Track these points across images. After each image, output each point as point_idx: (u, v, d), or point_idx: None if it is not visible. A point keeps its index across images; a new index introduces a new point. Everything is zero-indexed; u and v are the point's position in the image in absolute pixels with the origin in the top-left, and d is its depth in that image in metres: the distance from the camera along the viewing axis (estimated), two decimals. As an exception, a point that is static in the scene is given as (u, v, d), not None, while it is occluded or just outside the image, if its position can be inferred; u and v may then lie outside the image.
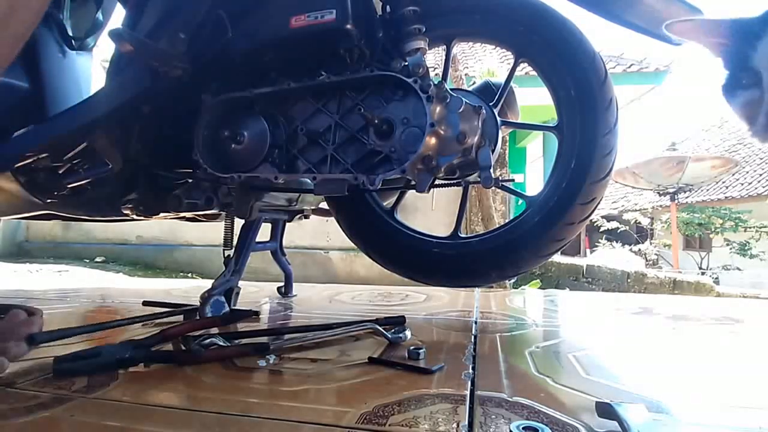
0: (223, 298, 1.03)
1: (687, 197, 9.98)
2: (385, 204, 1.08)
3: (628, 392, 0.58)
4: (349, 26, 0.78)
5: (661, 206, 11.32)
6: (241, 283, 1.11)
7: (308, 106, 0.89)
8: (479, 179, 0.82)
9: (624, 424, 0.43)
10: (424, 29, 0.82)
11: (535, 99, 3.01)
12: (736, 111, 0.57)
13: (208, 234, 4.94)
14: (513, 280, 3.19)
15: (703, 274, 7.92)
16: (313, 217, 1.40)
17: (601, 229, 11.05)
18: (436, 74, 0.86)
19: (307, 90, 0.88)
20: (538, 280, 3.95)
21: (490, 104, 0.90)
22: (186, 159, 0.92)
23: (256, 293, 1.47)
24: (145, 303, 1.15)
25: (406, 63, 0.81)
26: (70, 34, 1.17)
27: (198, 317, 0.99)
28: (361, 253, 1.11)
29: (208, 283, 1.08)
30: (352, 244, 1.11)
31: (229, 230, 1.23)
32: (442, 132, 0.79)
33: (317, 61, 0.88)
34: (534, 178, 9.52)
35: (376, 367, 0.67)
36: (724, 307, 1.29)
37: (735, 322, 1.07)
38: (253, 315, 1.05)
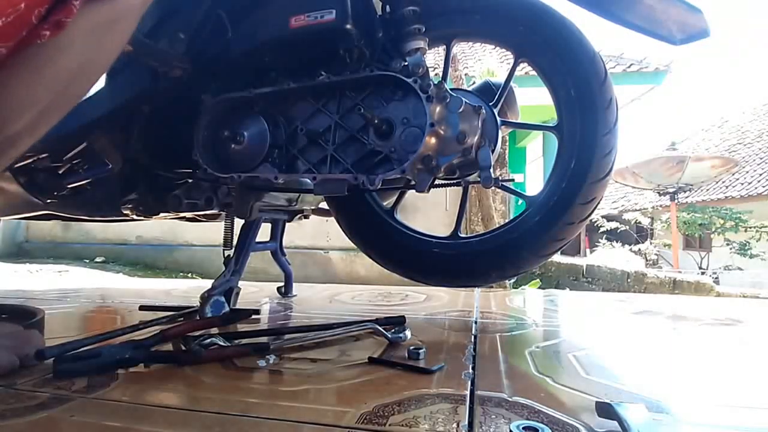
0: (222, 298, 1.03)
1: (687, 197, 9.99)
2: (385, 204, 1.08)
3: (628, 392, 0.58)
4: (348, 26, 0.78)
5: (661, 206, 11.32)
6: (241, 283, 1.11)
7: (308, 106, 0.89)
8: (479, 179, 0.82)
9: (624, 424, 0.43)
10: (424, 29, 0.82)
11: (535, 99, 3.01)
12: None
13: (208, 234, 4.95)
14: (513, 280, 3.19)
15: (703, 274, 7.92)
16: (313, 217, 1.40)
17: (601, 229, 11.06)
18: (436, 74, 0.86)
19: (307, 90, 0.88)
20: (538, 280, 3.95)
21: (490, 104, 0.90)
22: (186, 159, 0.92)
23: (256, 293, 1.47)
24: (142, 308, 1.15)
25: (406, 63, 0.81)
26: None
27: (198, 317, 0.99)
28: (361, 253, 1.11)
29: (208, 283, 1.08)
30: (352, 244, 1.11)
31: (229, 230, 1.23)
32: (442, 132, 0.79)
33: (317, 61, 0.88)
34: (534, 178, 9.52)
35: (376, 367, 0.67)
36: (724, 307, 1.29)
37: (735, 322, 1.07)
38: (253, 315, 1.05)
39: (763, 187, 10.27)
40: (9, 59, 0.49)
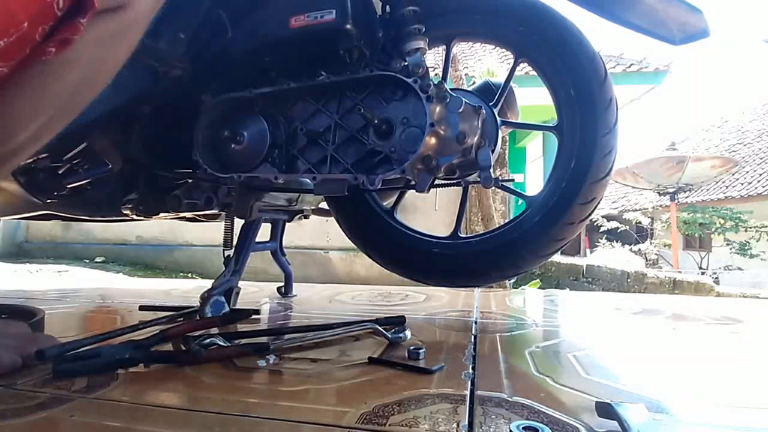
0: (222, 298, 1.03)
1: (687, 197, 9.99)
2: (385, 204, 1.08)
3: (628, 392, 0.58)
4: (348, 26, 0.78)
5: (661, 206, 11.33)
6: (241, 283, 1.11)
7: (308, 106, 0.89)
8: (479, 179, 0.82)
9: (624, 424, 0.43)
10: (424, 29, 0.82)
11: (535, 99, 3.01)
12: None
13: (208, 234, 4.94)
14: (513, 280, 3.19)
15: (703, 274, 7.92)
16: (313, 217, 1.40)
17: (601, 229, 11.06)
18: (436, 74, 0.86)
19: (306, 90, 0.88)
20: (538, 280, 3.95)
21: (490, 104, 0.90)
22: (186, 159, 0.92)
23: (256, 293, 1.47)
24: (142, 308, 1.15)
25: (406, 63, 0.81)
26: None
27: (198, 317, 0.99)
28: (361, 253, 1.11)
29: (208, 283, 1.08)
30: (352, 244, 1.11)
31: (229, 230, 1.23)
32: (441, 132, 0.79)
33: (317, 61, 0.88)
34: (534, 178, 9.52)
35: (376, 367, 0.67)
36: (724, 307, 1.29)
37: (735, 322, 1.07)
38: (253, 315, 1.05)
39: (763, 187, 10.27)
40: (12, 78, 0.49)
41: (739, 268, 8.80)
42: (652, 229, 11.63)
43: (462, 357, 0.72)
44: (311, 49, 0.86)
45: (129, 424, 0.48)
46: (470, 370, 0.65)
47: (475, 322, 1.01)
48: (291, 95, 0.89)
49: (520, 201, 0.96)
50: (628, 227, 11.15)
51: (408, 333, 0.82)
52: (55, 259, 5.17)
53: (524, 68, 1.08)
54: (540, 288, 3.41)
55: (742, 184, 10.97)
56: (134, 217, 1.10)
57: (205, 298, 1.01)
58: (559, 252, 0.94)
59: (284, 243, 1.41)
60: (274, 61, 0.89)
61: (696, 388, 0.62)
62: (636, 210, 12.30)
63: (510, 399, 0.55)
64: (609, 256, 8.08)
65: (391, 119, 0.82)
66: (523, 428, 0.46)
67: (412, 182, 0.86)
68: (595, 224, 11.07)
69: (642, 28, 0.84)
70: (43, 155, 0.96)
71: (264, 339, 0.80)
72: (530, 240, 0.90)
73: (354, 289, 1.60)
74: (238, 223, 1.17)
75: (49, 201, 1.04)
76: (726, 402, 0.56)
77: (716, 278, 7.15)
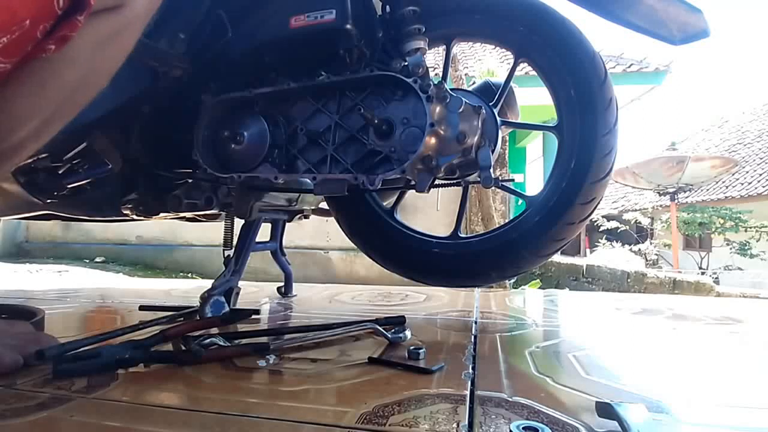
0: (222, 299, 1.03)
1: (687, 197, 10.00)
2: (385, 204, 1.08)
3: (628, 392, 0.58)
4: (348, 26, 0.78)
5: (661, 206, 11.33)
6: (241, 283, 1.11)
7: (308, 106, 0.89)
8: (479, 179, 0.82)
9: (624, 424, 0.43)
10: (423, 29, 0.82)
11: (535, 99, 3.01)
12: None
13: (208, 234, 4.95)
14: (513, 280, 3.19)
15: (703, 274, 7.92)
16: (313, 217, 1.40)
17: (601, 228, 11.07)
18: (436, 74, 0.86)
19: (307, 90, 0.88)
20: (538, 280, 3.95)
21: (490, 104, 0.90)
22: (186, 159, 0.92)
23: (256, 293, 1.47)
24: (142, 308, 1.15)
25: (406, 63, 0.81)
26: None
27: (198, 317, 0.99)
28: (361, 253, 1.11)
29: (208, 283, 1.08)
30: (352, 244, 1.11)
31: (229, 230, 1.23)
32: (441, 132, 0.79)
33: (317, 61, 0.88)
34: (534, 178, 9.53)
35: (376, 367, 0.67)
36: (724, 307, 1.29)
37: (735, 322, 1.07)
38: (253, 315, 1.05)
39: (763, 187, 10.27)
40: (13, 74, 0.49)
41: (739, 268, 8.80)
42: (652, 229, 11.63)
43: (462, 357, 0.72)
44: (311, 49, 0.86)
45: (129, 424, 0.48)
46: (470, 370, 0.65)
47: (475, 322, 1.01)
48: (291, 95, 0.89)
49: (520, 201, 0.96)
50: (628, 227, 11.15)
51: (408, 333, 0.82)
52: (55, 259, 5.17)
53: (524, 68, 1.08)
54: (540, 288, 3.41)
55: (742, 184, 10.97)
56: (134, 217, 1.10)
57: (205, 298, 1.01)
58: (559, 252, 0.94)
59: (284, 243, 1.41)
60: (274, 61, 0.89)
61: (696, 388, 0.62)
62: (636, 210, 12.30)
63: (510, 399, 0.55)
64: (609, 256, 8.08)
65: (391, 119, 0.82)
66: (523, 428, 0.46)
67: (412, 182, 0.85)
68: (595, 224, 11.07)
69: (642, 28, 0.84)
70: (43, 155, 0.96)
71: (264, 339, 0.80)
72: (530, 240, 0.90)
73: (354, 289, 1.60)
74: (238, 223, 1.17)
75: (49, 201, 1.04)
76: (726, 402, 0.56)
77: (716, 278, 7.15)
